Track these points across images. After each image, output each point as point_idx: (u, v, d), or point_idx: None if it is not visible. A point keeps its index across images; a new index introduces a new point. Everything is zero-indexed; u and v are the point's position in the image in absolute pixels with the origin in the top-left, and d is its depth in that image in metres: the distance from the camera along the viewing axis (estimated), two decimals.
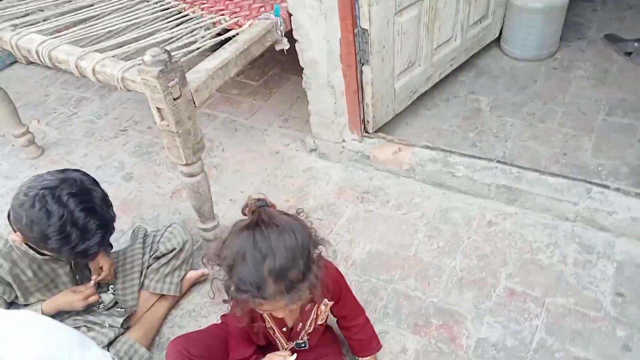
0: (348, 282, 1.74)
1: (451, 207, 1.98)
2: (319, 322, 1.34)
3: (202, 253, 1.89)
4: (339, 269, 1.40)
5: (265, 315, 1.27)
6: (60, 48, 1.69)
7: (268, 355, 1.28)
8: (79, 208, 1.31)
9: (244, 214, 1.11)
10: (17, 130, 2.43)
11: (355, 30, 1.85)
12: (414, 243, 1.87)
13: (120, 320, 1.58)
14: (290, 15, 1.84)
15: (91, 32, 1.85)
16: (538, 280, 1.69)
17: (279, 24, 1.81)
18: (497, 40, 2.66)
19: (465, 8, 2.27)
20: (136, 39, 1.79)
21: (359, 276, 1.78)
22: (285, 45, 1.86)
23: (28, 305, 1.49)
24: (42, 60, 1.72)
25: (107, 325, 1.56)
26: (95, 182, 1.41)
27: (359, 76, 1.99)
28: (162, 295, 1.71)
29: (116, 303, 1.64)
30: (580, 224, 1.83)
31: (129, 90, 1.56)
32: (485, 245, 1.83)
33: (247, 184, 2.23)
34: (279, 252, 1.01)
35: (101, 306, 1.63)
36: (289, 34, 1.88)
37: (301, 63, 1.97)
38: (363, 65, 1.97)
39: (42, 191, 1.29)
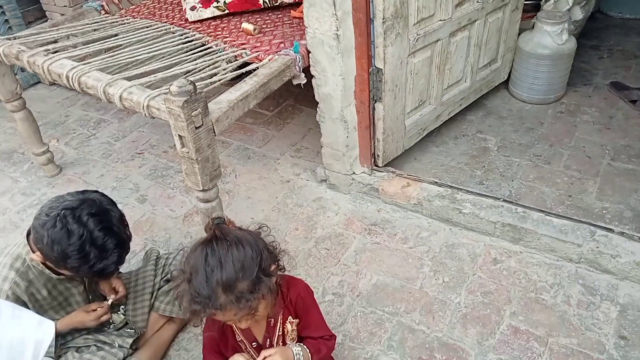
0: (353, 313, 1.78)
1: (457, 243, 2.02)
2: (289, 341, 1.35)
3: None
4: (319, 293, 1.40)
5: (235, 328, 1.32)
6: (89, 74, 1.78)
7: (233, 356, 1.29)
8: (98, 228, 1.36)
9: (206, 232, 1.21)
10: (37, 149, 2.51)
11: (370, 69, 1.94)
12: (420, 277, 1.91)
13: (130, 341, 1.61)
14: (308, 52, 1.93)
15: (118, 60, 1.95)
16: (541, 320, 1.71)
17: (298, 60, 1.90)
18: (506, 82, 2.74)
19: (475, 52, 2.37)
20: (161, 69, 1.88)
21: (365, 307, 1.81)
22: (302, 80, 1.95)
23: None
24: (72, 85, 1.81)
25: (117, 346, 1.58)
26: (112, 203, 1.47)
27: (371, 112, 2.06)
28: (171, 318, 1.74)
29: (126, 324, 1.68)
30: (584, 266, 1.86)
31: (153, 118, 1.64)
32: (490, 282, 1.86)
33: (257, 210, 2.28)
34: (226, 264, 1.10)
35: (112, 326, 1.66)
36: (306, 70, 1.97)
37: (316, 97, 2.05)
38: (376, 102, 2.04)
39: (63, 211, 1.34)
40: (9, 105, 2.32)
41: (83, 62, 1.90)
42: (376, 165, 2.26)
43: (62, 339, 1.56)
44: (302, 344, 1.33)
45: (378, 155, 2.22)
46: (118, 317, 1.68)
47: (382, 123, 2.09)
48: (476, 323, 1.73)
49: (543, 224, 1.92)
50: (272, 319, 1.31)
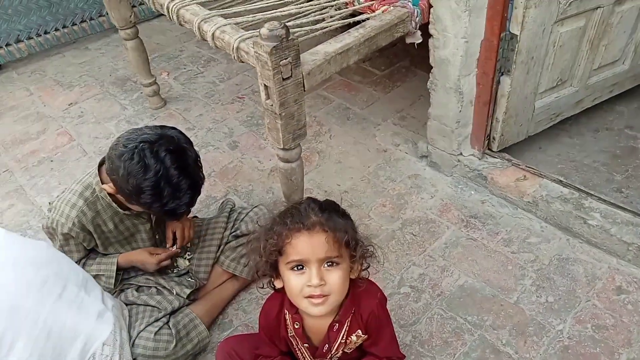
0: (429, 313, 1.56)
1: (573, 258, 1.67)
2: (347, 350, 1.19)
3: None
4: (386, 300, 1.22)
5: (288, 322, 1.17)
6: (188, 7, 1.67)
7: None
8: (174, 166, 1.30)
9: None
10: (145, 80, 2.53)
11: (502, 34, 1.60)
12: (518, 289, 1.61)
13: (188, 291, 1.55)
14: (430, 6, 1.64)
15: None
16: None
17: (416, 14, 1.63)
18: None
19: None
20: (264, 9, 1.72)
21: (444, 310, 1.58)
22: (417, 39, 1.68)
23: (106, 254, 1.52)
24: (171, 17, 1.73)
25: (175, 293, 1.54)
26: (189, 142, 1.39)
27: (494, 86, 1.73)
28: (234, 276, 1.66)
29: (188, 272, 1.62)
30: None
31: (242, 62, 1.50)
32: (607, 315, 1.51)
33: (345, 178, 2.10)
34: (332, 207, 1.10)
35: (175, 270, 1.62)
36: (424, 27, 1.69)
37: (431, 61, 1.76)
38: (502, 74, 1.71)
39: (141, 144, 1.28)
40: (122, 32, 2.33)
41: None
42: (489, 149, 1.94)
43: (125, 274, 1.55)
44: None
45: (494, 138, 1.89)
46: (183, 262, 1.64)
47: (505, 100, 1.75)
48: None
49: None
50: (337, 324, 1.14)
